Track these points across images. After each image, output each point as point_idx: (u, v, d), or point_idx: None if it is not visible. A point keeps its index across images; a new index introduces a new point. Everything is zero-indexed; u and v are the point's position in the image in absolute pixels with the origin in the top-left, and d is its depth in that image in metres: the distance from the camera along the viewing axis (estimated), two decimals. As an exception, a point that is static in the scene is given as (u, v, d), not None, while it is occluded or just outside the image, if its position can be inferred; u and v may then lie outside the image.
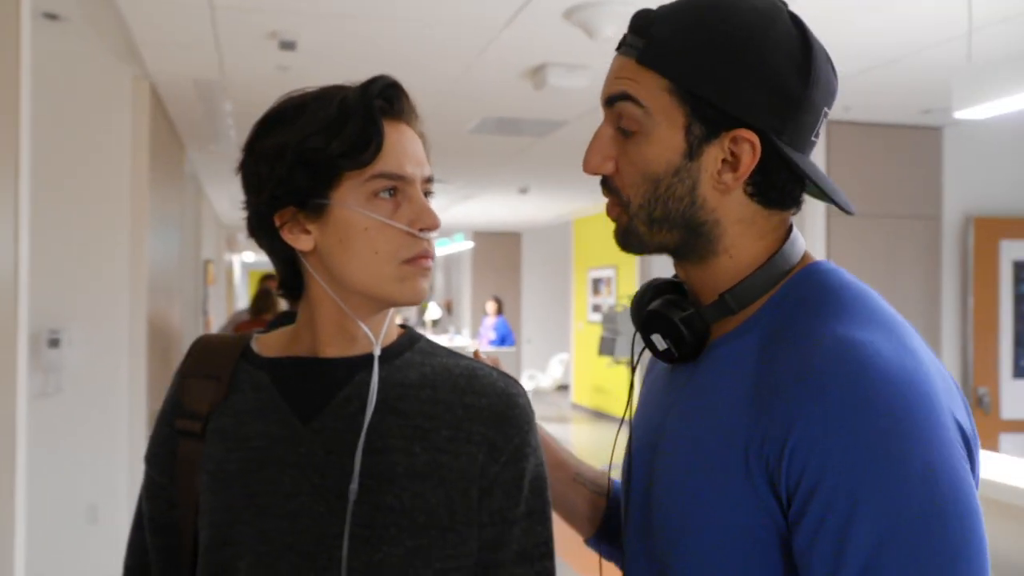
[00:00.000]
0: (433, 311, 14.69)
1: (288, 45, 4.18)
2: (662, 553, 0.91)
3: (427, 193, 1.02)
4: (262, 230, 1.02)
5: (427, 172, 1.02)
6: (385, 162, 0.96)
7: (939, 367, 0.83)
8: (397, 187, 0.97)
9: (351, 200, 0.95)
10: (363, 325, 1.00)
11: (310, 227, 0.97)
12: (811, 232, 5.78)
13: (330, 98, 0.97)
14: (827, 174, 3.89)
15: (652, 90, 0.87)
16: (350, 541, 0.94)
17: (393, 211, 0.97)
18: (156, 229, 5.30)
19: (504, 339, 10.97)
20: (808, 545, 0.76)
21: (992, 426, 5.76)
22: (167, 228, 6.07)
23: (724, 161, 0.87)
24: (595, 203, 11.15)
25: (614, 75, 0.91)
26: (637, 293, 1.03)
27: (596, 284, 12.47)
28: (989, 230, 5.77)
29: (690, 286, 0.97)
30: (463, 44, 4.27)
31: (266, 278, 7.32)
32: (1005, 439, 5.71)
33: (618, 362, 7.66)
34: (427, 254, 0.98)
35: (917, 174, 5.98)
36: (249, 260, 24.20)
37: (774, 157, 0.86)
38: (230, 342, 1.07)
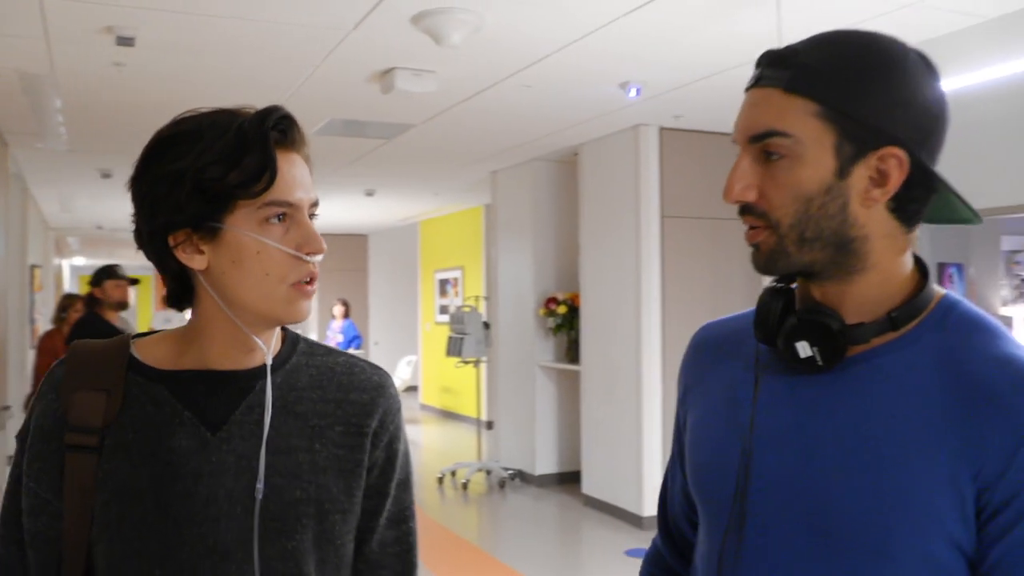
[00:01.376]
0: (277, 315, 14.40)
1: (126, 41, 4.05)
2: (828, 544, 0.92)
3: (312, 216, 1.09)
4: (153, 247, 1.06)
5: (313, 197, 1.08)
6: (277, 190, 1.02)
7: None
8: (287, 213, 1.04)
9: (244, 225, 1.01)
10: (258, 340, 1.07)
11: (204, 248, 1.03)
12: (647, 232, 6.10)
13: (226, 126, 1.02)
14: (660, 177, 4.14)
15: (800, 116, 0.92)
16: (265, 534, 1.03)
17: (282, 235, 1.03)
18: (-21, 230, 5.00)
19: (351, 342, 10.89)
20: (1015, 547, 0.84)
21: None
22: (-10, 230, 5.72)
23: (871, 178, 0.92)
24: (441, 205, 11.27)
25: (755, 111, 0.95)
26: (764, 300, 1.02)
27: (443, 285, 12.58)
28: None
29: (828, 302, 0.98)
30: (310, 46, 4.28)
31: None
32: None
33: (466, 362, 7.79)
34: (312, 277, 1.05)
35: (741, 179, 6.40)
36: (79, 264, 22.87)
37: (917, 173, 0.93)
38: (110, 351, 1.09)
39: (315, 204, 1.09)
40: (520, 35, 4.15)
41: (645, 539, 5.86)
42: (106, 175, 8.05)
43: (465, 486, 7.58)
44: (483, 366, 8.30)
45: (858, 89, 0.91)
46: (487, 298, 8.67)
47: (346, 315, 11.03)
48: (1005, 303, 9.03)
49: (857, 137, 0.91)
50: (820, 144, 0.92)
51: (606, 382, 6.54)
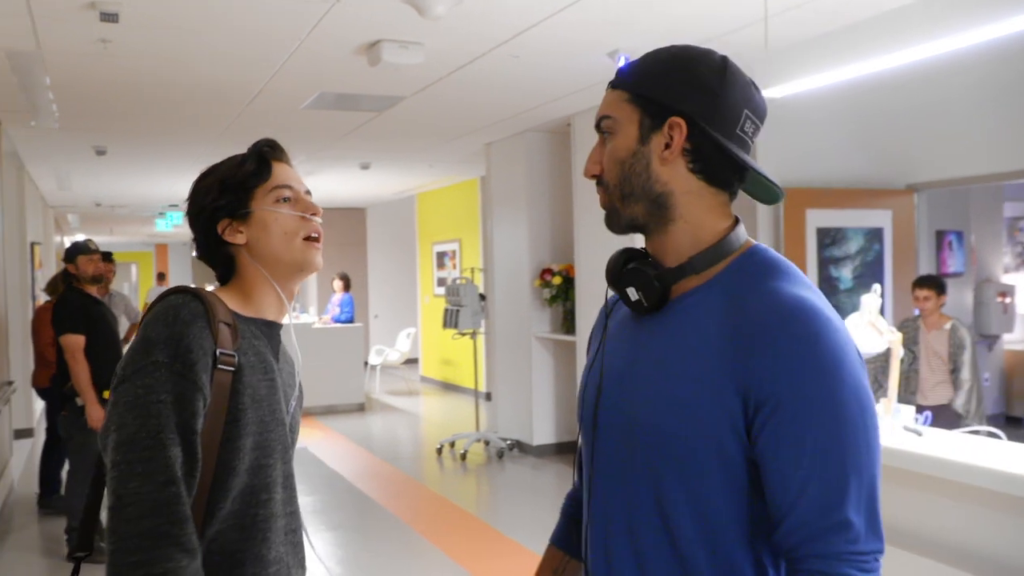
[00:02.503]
0: (277, 289, 14.44)
1: (109, 17, 4.04)
2: (647, 457, 1.18)
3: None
4: (208, 241, 1.50)
5: (306, 187, 1.55)
6: (277, 179, 1.50)
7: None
8: (290, 195, 1.50)
9: (264, 205, 1.48)
10: (283, 295, 1.52)
11: (241, 228, 1.48)
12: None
13: (233, 158, 1.52)
14: None
15: (618, 103, 1.22)
16: (291, 436, 1.51)
17: (291, 208, 1.49)
18: (-28, 209, 5.03)
19: (352, 317, 10.94)
20: (771, 438, 1.09)
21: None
22: (-16, 208, 5.75)
23: (665, 143, 1.19)
24: (437, 178, 11.26)
25: (601, 104, 1.26)
26: (613, 256, 1.28)
27: (441, 257, 12.61)
28: (797, 200, 6.26)
29: (655, 254, 1.25)
30: (295, 19, 4.27)
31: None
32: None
33: (462, 334, 7.83)
34: (318, 232, 1.51)
35: (734, 148, 6.40)
36: (80, 241, 22.89)
37: (705, 139, 1.18)
38: (217, 297, 1.44)
39: (308, 192, 1.55)
40: (505, 5, 4.14)
41: (640, 506, 5.92)
42: (100, 152, 8.05)
43: (464, 457, 7.65)
44: (481, 338, 8.35)
45: (654, 78, 1.20)
46: (483, 270, 8.70)
47: (346, 289, 11.05)
48: (1007, 270, 9.03)
49: (653, 112, 1.19)
50: (631, 121, 1.21)
51: (600, 352, 6.57)
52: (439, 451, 7.92)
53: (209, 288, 1.50)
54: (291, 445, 1.51)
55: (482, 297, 7.85)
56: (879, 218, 6.32)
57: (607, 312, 1.37)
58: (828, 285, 6.23)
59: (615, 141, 1.22)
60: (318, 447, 8.27)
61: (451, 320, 7.71)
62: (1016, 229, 9.92)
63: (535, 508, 6.13)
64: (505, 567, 4.85)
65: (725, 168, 1.20)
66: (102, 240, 23.02)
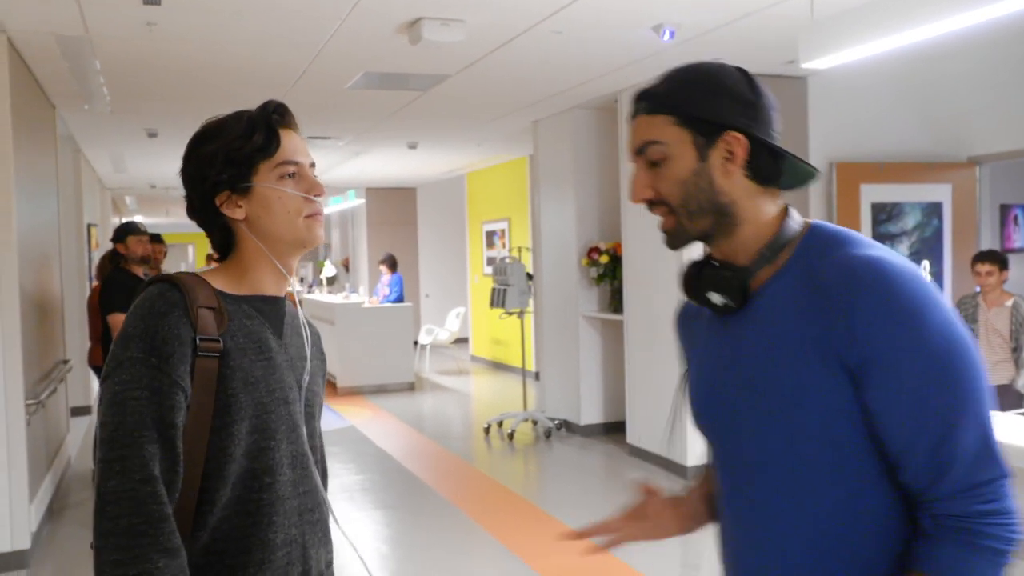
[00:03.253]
0: (328, 269, 14.57)
1: (152, 0, 4.07)
2: (758, 445, 1.25)
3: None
4: (204, 210, 1.45)
5: (311, 160, 1.49)
6: (284, 154, 1.43)
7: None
8: (295, 171, 1.44)
9: (266, 181, 1.42)
10: (283, 269, 1.47)
11: (241, 203, 1.43)
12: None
13: (239, 118, 1.44)
14: None
15: (663, 127, 1.26)
16: (302, 415, 1.48)
17: (295, 186, 1.44)
18: (25, 193, 5.13)
19: (401, 296, 10.99)
20: (877, 395, 1.14)
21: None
22: (40, 192, 5.86)
23: (724, 157, 1.25)
24: (485, 156, 11.21)
25: (635, 132, 1.30)
26: (685, 270, 1.34)
27: (490, 237, 12.58)
28: (850, 175, 6.09)
29: (724, 258, 1.31)
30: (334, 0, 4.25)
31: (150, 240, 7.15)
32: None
33: (509, 313, 7.80)
34: (320, 211, 1.47)
35: (784, 122, 6.22)
36: (138, 222, 23.37)
37: (758, 146, 1.26)
38: (201, 281, 1.40)
39: (313, 165, 1.49)
40: (546, -21, 4.06)
41: (688, 487, 5.85)
42: (152, 134, 8.16)
43: (511, 436, 7.64)
44: (529, 317, 8.31)
45: (693, 97, 1.25)
46: (531, 249, 8.65)
47: (392, 270, 11.09)
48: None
49: (705, 131, 1.25)
50: (682, 142, 1.26)
51: (649, 331, 6.49)
52: (487, 431, 7.93)
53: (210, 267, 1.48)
54: (305, 422, 1.48)
55: (529, 276, 7.81)
56: (938, 192, 6.12)
57: (687, 321, 1.45)
58: (883, 262, 6.08)
59: (672, 164, 1.27)
60: (367, 426, 8.34)
61: (498, 299, 7.68)
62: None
63: (582, 488, 6.10)
64: (550, 547, 4.82)
65: (773, 167, 1.29)
66: (159, 221, 23.45)
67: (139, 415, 1.27)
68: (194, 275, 1.42)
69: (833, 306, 1.15)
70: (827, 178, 6.22)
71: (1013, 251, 6.81)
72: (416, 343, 12.01)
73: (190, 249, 25.64)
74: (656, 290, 6.35)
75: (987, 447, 1.12)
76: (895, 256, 1.17)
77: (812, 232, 1.27)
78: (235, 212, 1.43)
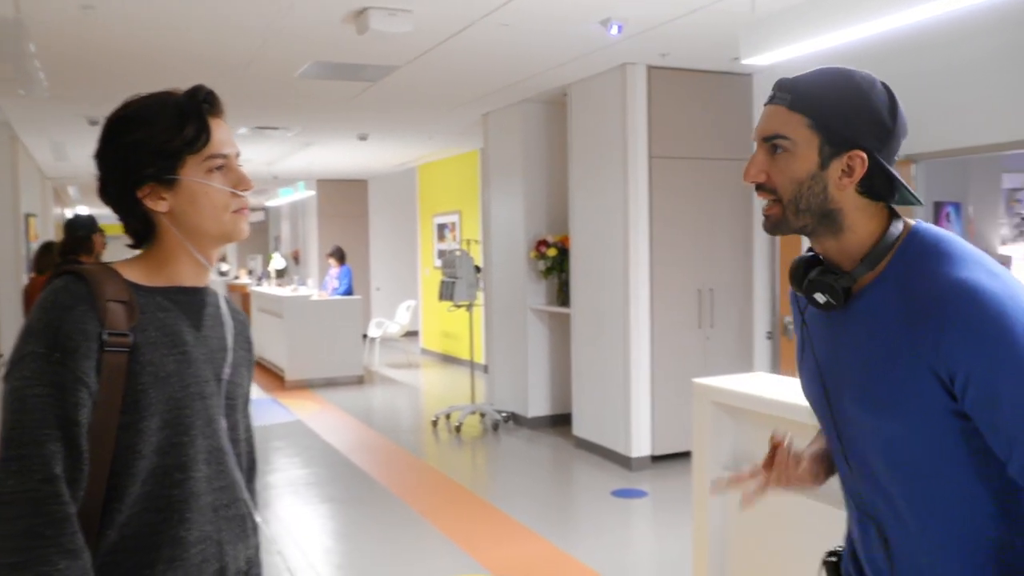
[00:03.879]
0: (277, 262, 14.41)
1: (90, -17, 3.98)
2: (866, 436, 1.35)
3: (238, 163, 1.47)
4: (123, 200, 1.39)
5: (238, 149, 1.47)
6: (214, 147, 1.39)
7: (1017, 285, 1.27)
8: (223, 164, 1.41)
9: (193, 175, 1.38)
10: (204, 261, 1.44)
11: (165, 195, 1.38)
12: (635, 173, 6.04)
13: (166, 103, 1.39)
14: (648, 117, 4.32)
15: (797, 126, 1.33)
16: (223, 409, 1.44)
17: (222, 179, 1.41)
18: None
19: (350, 289, 10.91)
20: (976, 406, 1.22)
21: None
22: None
23: (843, 171, 1.32)
24: (436, 149, 11.18)
25: (769, 120, 1.36)
26: (794, 263, 1.44)
27: (441, 230, 12.55)
28: (794, 170, 6.19)
29: (827, 256, 1.39)
30: (279, -15, 4.20)
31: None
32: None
33: (457, 306, 7.79)
34: (246, 205, 1.45)
35: (730, 118, 6.32)
36: (83, 214, 22.87)
37: (875, 168, 1.32)
38: (109, 272, 1.36)
39: (238, 155, 1.47)
40: (492, -29, 4.05)
41: (633, 480, 5.91)
42: (93, 122, 7.99)
43: (459, 429, 7.64)
44: (478, 310, 8.31)
45: (835, 110, 1.31)
46: (480, 242, 8.65)
47: (341, 262, 11.01)
48: (1004, 242, 8.93)
49: (834, 142, 1.32)
50: (809, 145, 1.33)
51: (595, 324, 6.54)
52: (434, 423, 7.91)
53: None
54: (226, 415, 1.45)
55: (478, 269, 7.81)
56: (877, 190, 6.25)
57: (800, 307, 1.52)
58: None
59: (793, 162, 1.34)
60: (314, 420, 8.27)
61: (447, 292, 7.67)
62: (1014, 200, 9.80)
63: (528, 480, 6.12)
64: (495, 540, 4.84)
65: (887, 188, 1.35)
66: (103, 212, 22.98)
67: (41, 413, 1.23)
68: (104, 266, 1.38)
69: (924, 321, 1.24)
70: (771, 174, 6.31)
71: (949, 248, 6.99)
72: (366, 336, 11.94)
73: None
74: (602, 284, 6.39)
75: None
76: (987, 276, 1.24)
77: (912, 236, 1.34)
78: (158, 205, 1.39)
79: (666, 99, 6.12)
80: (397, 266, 14.87)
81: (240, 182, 1.43)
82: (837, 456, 1.46)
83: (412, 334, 13.55)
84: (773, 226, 1.39)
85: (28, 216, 9.61)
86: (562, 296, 7.35)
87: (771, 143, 1.35)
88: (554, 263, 7.30)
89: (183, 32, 5.00)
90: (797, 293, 1.49)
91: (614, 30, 4.98)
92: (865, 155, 1.31)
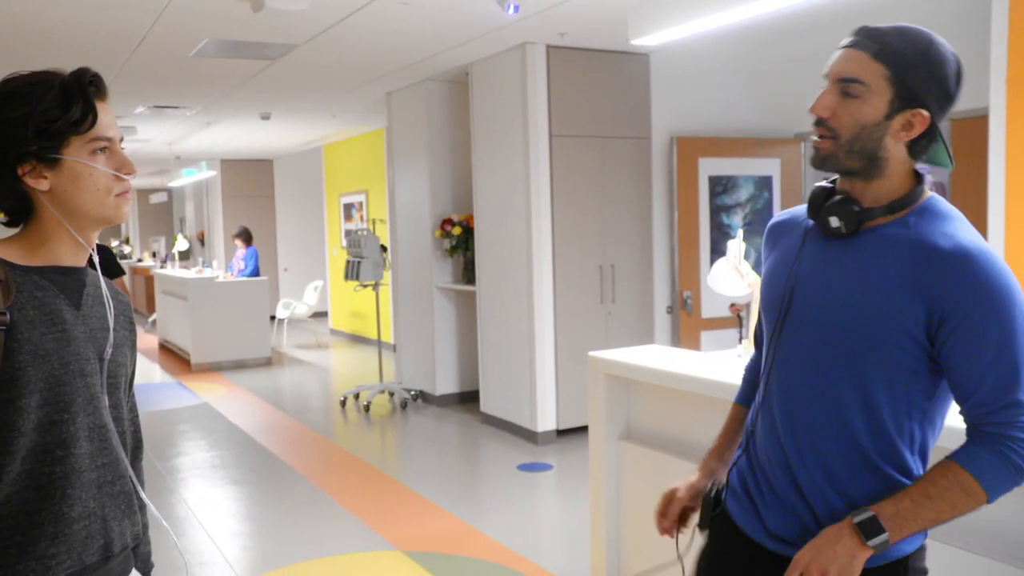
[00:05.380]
0: (181, 243, 14.08)
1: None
2: (835, 345, 1.51)
3: (122, 146, 1.50)
4: (2, 176, 1.39)
5: (121, 133, 1.48)
6: (99, 129, 1.41)
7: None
8: (107, 146, 1.43)
9: (77, 155, 1.40)
10: (83, 242, 1.46)
11: (47, 174, 1.40)
12: (536, 151, 6.13)
13: (50, 82, 1.39)
14: (548, 96, 4.44)
15: (875, 75, 1.46)
16: (105, 387, 1.46)
17: (105, 161, 1.43)
18: None
19: (256, 270, 10.76)
20: (959, 343, 1.42)
21: (694, 325, 6.46)
22: None
23: (903, 125, 1.48)
24: (341, 128, 11.07)
25: (848, 63, 1.49)
26: (815, 191, 1.59)
27: (348, 209, 12.46)
28: (689, 149, 6.37)
29: (852, 193, 1.55)
30: (169, -38, 4.12)
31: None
32: (705, 336, 6.44)
33: (364, 286, 7.78)
34: (129, 189, 1.47)
35: (629, 97, 6.46)
36: None
37: (931, 129, 1.49)
38: None
39: (122, 139, 1.49)
40: (387, -49, 4.06)
41: (539, 454, 6.05)
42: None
43: (367, 408, 7.66)
44: (385, 289, 8.30)
45: (915, 69, 1.45)
46: (386, 221, 8.63)
47: (247, 244, 10.84)
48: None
49: (904, 97, 1.46)
50: (881, 95, 1.47)
51: (500, 302, 6.63)
52: (343, 403, 7.92)
53: None
54: (108, 393, 1.47)
55: (384, 248, 7.81)
56: (768, 166, 6.49)
57: (789, 231, 1.69)
58: (719, 232, 6.39)
59: (862, 106, 1.48)
60: (221, 403, 8.18)
61: (352, 272, 7.65)
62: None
63: (437, 457, 6.20)
64: (404, 517, 4.90)
65: (927, 146, 1.53)
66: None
67: None
68: None
69: (940, 269, 1.43)
70: (668, 151, 6.49)
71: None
72: (273, 318, 11.80)
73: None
74: (507, 262, 6.49)
75: None
76: (993, 251, 1.48)
77: (930, 203, 1.53)
78: (39, 183, 1.40)
79: (566, 78, 6.22)
80: (304, 246, 14.71)
81: (123, 165, 1.45)
82: (769, 356, 1.64)
83: (321, 315, 13.45)
84: (822, 160, 1.53)
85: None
86: (468, 274, 7.42)
87: (845, 84, 1.48)
88: (459, 241, 7.36)
89: (72, 7, 4.85)
90: (784, 219, 1.72)
91: (511, 10, 5.04)
92: (928, 115, 1.47)
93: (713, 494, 1.75)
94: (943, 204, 1.54)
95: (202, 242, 15.80)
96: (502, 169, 6.48)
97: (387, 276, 8.09)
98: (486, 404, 6.95)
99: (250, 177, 14.62)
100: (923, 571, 1.56)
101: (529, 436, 6.36)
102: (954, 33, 5.78)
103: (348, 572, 4.15)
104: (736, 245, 3.11)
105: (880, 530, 1.42)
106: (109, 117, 1.45)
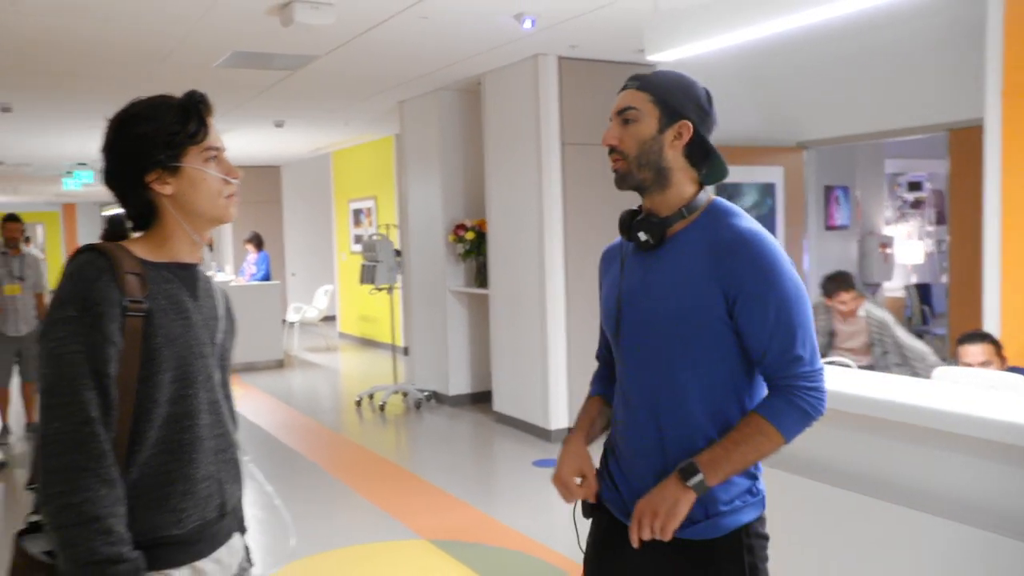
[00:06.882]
0: (191, 249, 14.25)
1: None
2: (662, 342, 1.77)
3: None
4: (130, 185, 1.62)
5: (225, 145, 1.71)
6: (210, 140, 1.64)
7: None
8: (216, 155, 1.64)
9: (194, 163, 1.62)
10: (199, 240, 1.68)
11: (170, 181, 1.61)
12: (548, 159, 6.35)
13: (170, 103, 1.63)
14: (560, 106, 4.70)
15: (643, 101, 1.79)
16: (217, 369, 1.68)
17: (216, 168, 1.64)
18: None
19: (268, 275, 10.96)
20: (748, 314, 1.71)
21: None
22: None
23: (675, 136, 1.78)
24: (351, 136, 11.29)
25: (622, 99, 1.81)
26: (622, 215, 1.87)
27: (357, 215, 12.67)
28: (696, 156, 6.59)
29: (652, 208, 1.83)
30: (206, -19, 4.33)
31: (7, 219, 7.01)
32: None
33: (379, 289, 8.00)
34: (236, 191, 1.70)
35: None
36: (119, 212, 22.08)
37: (698, 137, 1.80)
38: (124, 250, 1.58)
39: (225, 149, 1.71)
40: (414, -30, 4.27)
41: (552, 450, 6.25)
42: (6, 109, 7.88)
43: (382, 408, 7.87)
44: (398, 293, 8.51)
45: (671, 91, 1.80)
46: (398, 226, 8.85)
47: (258, 248, 11.05)
48: (888, 223, 9.60)
49: (669, 113, 1.79)
50: (651, 114, 1.79)
51: (513, 305, 6.85)
52: (358, 403, 8.12)
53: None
54: (219, 372, 1.68)
55: (397, 253, 8.03)
56: (771, 174, 6.71)
57: (614, 256, 1.97)
58: (725, 237, 6.60)
59: (639, 127, 1.79)
60: (238, 402, 8.36)
61: (368, 276, 7.87)
62: (896, 184, 10.53)
63: (452, 453, 6.41)
64: (424, 506, 5.11)
65: (703, 156, 1.83)
66: (5, 200, 22.12)
67: (75, 366, 1.45)
68: (118, 244, 1.59)
69: (725, 256, 1.72)
70: (676, 159, 6.70)
71: (835, 228, 7.52)
72: (284, 321, 12.00)
73: (39, 229, 24.35)
74: (519, 266, 6.70)
75: (813, 349, 1.75)
76: (766, 233, 1.77)
77: (714, 203, 1.83)
78: (164, 188, 1.61)
79: (577, 88, 6.45)
80: (312, 251, 14.91)
81: (231, 171, 1.67)
82: (618, 358, 1.90)
83: (330, 319, 13.64)
84: (621, 178, 1.83)
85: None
86: (480, 278, 7.64)
87: (623, 115, 1.80)
88: (472, 246, 7.58)
89: (107, 22, 5.07)
90: (611, 246, 2.00)
91: (528, 24, 5.27)
92: (691, 125, 1.78)
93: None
94: (726, 203, 1.83)
95: (211, 247, 15.98)
96: (515, 176, 6.70)
97: (399, 279, 8.30)
98: (499, 403, 7.16)
99: (258, 183, 14.81)
100: (763, 536, 1.83)
101: (542, 434, 6.57)
102: (951, 46, 6.00)
103: (377, 560, 4.36)
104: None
105: (696, 471, 1.70)
106: (216, 130, 1.67)
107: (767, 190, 6.68)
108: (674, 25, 3.70)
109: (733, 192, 6.48)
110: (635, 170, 1.80)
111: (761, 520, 1.83)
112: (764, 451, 1.74)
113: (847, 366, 3.38)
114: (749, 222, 1.77)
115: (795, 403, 1.73)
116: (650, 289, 1.81)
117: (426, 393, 8.02)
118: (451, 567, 4.20)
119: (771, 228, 6.62)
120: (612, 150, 1.82)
